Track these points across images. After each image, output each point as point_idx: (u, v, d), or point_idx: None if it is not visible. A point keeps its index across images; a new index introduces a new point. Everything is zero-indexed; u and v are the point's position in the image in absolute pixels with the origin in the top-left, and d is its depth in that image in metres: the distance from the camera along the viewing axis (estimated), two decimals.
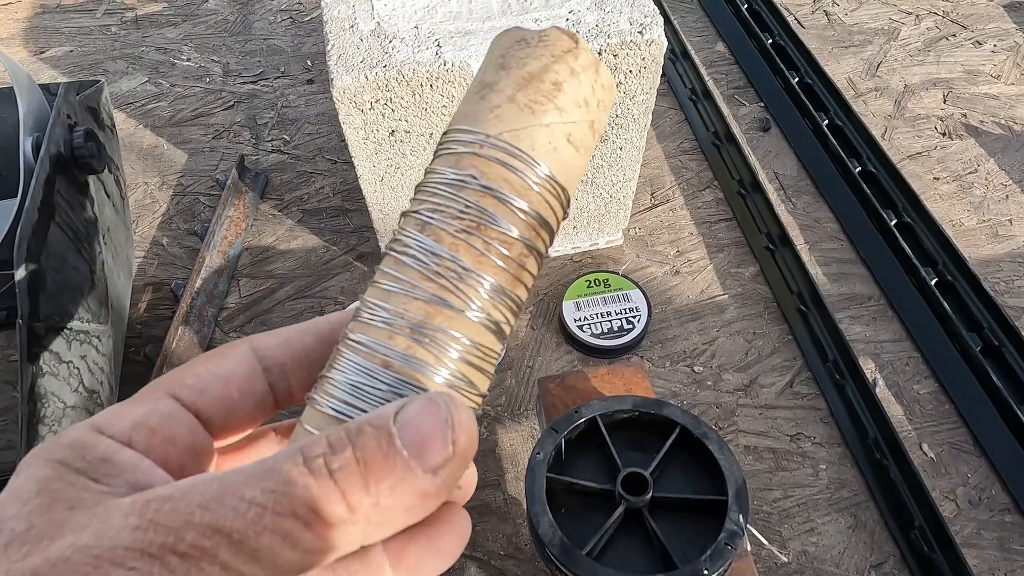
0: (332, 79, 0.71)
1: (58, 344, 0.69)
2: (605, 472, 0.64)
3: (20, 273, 0.63)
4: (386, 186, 0.86)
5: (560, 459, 0.64)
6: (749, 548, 0.61)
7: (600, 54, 0.75)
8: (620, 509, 0.60)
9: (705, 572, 0.54)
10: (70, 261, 0.72)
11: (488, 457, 0.90)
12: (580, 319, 0.98)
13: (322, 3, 0.79)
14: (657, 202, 1.16)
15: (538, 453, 0.62)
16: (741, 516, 0.57)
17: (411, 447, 0.19)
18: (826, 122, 1.20)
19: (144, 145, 1.24)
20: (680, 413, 0.64)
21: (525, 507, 0.66)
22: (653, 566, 0.58)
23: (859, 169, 1.13)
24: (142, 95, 1.33)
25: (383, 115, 0.76)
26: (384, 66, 0.72)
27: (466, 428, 0.20)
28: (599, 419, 0.65)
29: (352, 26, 0.76)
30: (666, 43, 0.76)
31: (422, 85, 0.73)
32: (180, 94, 1.33)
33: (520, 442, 0.91)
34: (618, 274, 1.03)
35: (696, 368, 0.97)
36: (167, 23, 1.48)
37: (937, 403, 0.94)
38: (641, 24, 0.75)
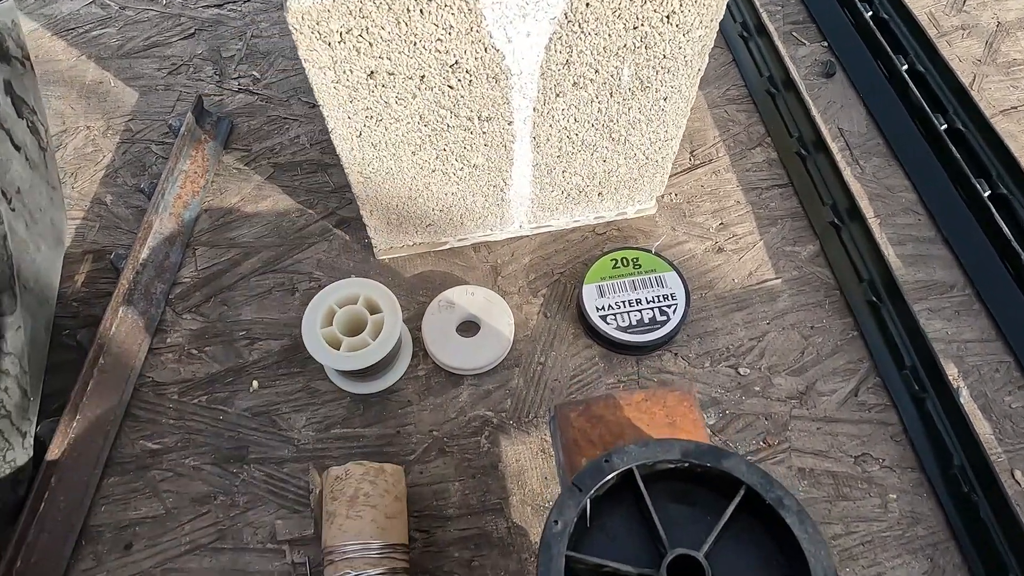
0: None
1: None
2: (643, 543, 0.49)
3: None
4: (365, 143, 0.67)
5: (583, 523, 0.49)
6: None
7: None
8: None
9: None
10: None
11: (489, 475, 0.75)
12: (603, 307, 0.81)
13: None
14: (698, 162, 0.96)
15: (555, 521, 0.46)
16: None
17: None
18: (904, 67, 0.99)
19: (87, 80, 1.04)
20: (746, 469, 0.48)
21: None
22: None
23: (944, 126, 0.93)
24: (86, 19, 1.12)
25: (358, 50, 0.57)
26: None
27: None
28: (636, 472, 0.49)
29: None
30: None
31: (409, 10, 0.54)
32: (131, 19, 1.12)
33: (528, 457, 0.76)
34: (650, 252, 0.85)
35: (741, 369, 0.81)
36: None
37: None
38: None
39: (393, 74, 0.60)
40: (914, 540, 0.71)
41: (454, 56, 0.59)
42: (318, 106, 1.01)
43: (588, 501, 0.48)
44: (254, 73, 1.05)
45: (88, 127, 1.00)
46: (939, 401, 0.76)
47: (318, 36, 0.55)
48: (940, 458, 0.74)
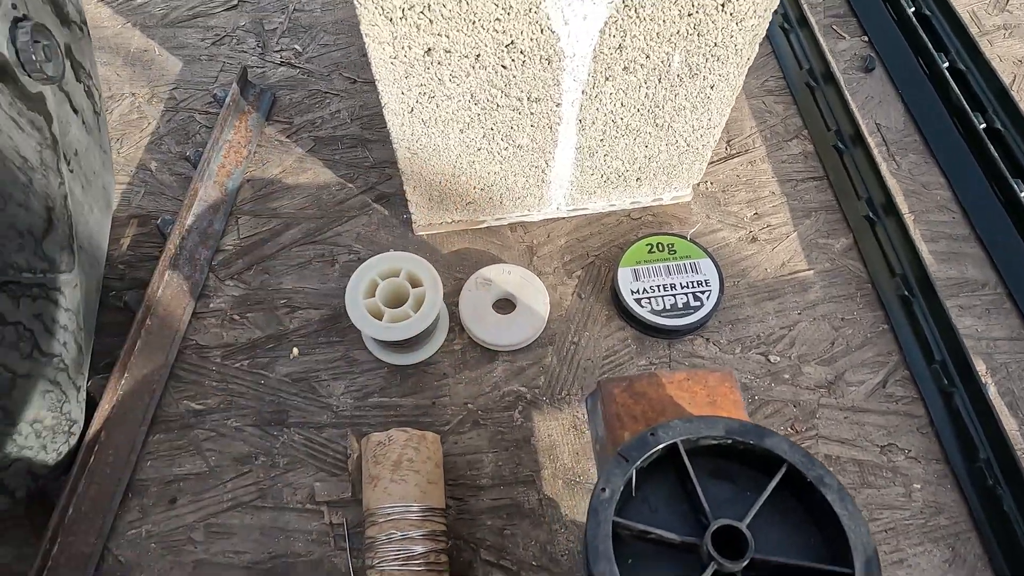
0: None
1: (1, 304, 0.55)
2: (686, 515, 0.50)
3: None
4: (416, 119, 0.69)
5: (629, 493, 0.50)
6: None
7: None
8: (709, 572, 0.46)
9: None
10: (15, 198, 0.56)
11: (522, 448, 0.77)
12: (638, 291, 0.82)
13: None
14: (734, 152, 0.97)
15: (603, 489, 0.48)
16: None
17: None
18: (946, 64, 0.99)
19: (131, 48, 1.06)
20: (788, 447, 0.50)
21: (581, 551, 0.53)
22: None
23: (984, 126, 0.94)
24: None
25: (418, 27, 0.58)
26: None
27: None
28: (680, 446, 0.50)
29: None
30: None
31: None
32: None
33: (560, 433, 0.78)
34: (685, 238, 0.86)
35: (772, 357, 0.82)
36: None
37: None
38: None
39: (450, 52, 0.61)
40: (936, 529, 0.73)
41: (510, 36, 0.60)
42: (359, 81, 1.02)
43: (634, 472, 0.49)
44: (296, 47, 1.06)
45: (133, 94, 1.02)
46: (967, 396, 0.77)
47: (381, 11, 0.56)
48: (966, 451, 0.75)
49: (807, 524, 0.50)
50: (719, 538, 0.47)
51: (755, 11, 0.62)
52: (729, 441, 0.51)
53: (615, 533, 0.47)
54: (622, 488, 0.48)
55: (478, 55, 0.62)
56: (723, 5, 0.61)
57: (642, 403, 0.57)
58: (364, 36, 0.58)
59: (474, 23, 0.59)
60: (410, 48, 0.60)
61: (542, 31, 0.61)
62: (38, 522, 0.73)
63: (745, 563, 0.45)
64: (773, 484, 0.49)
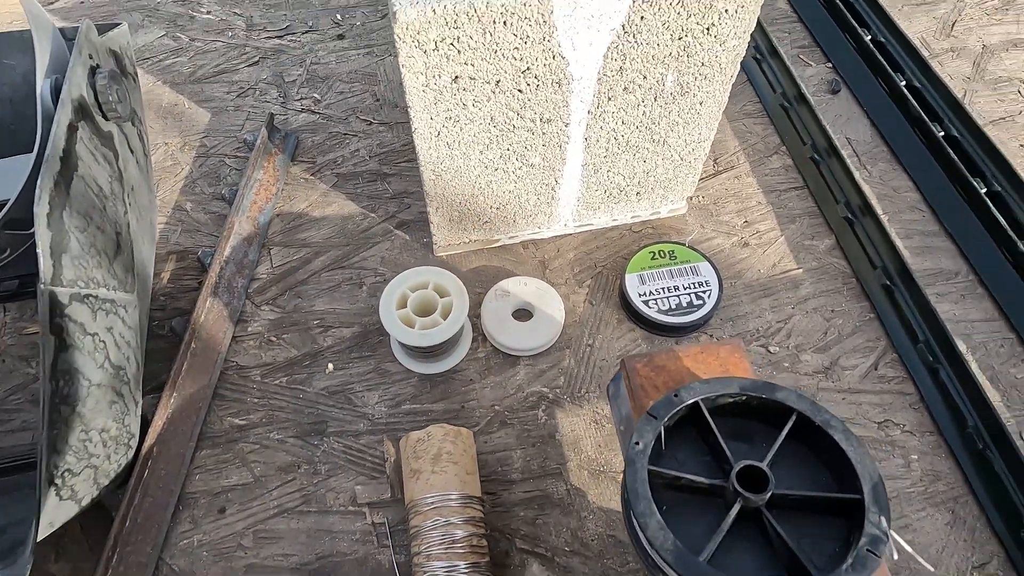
0: (395, 12, 0.62)
1: (83, 314, 0.61)
2: (711, 465, 0.56)
3: (41, 231, 0.55)
4: (442, 142, 0.77)
5: (659, 449, 0.56)
6: (895, 556, 0.53)
7: None
8: (735, 508, 0.52)
9: None
10: (95, 220, 0.63)
11: (548, 444, 0.82)
12: (645, 293, 0.90)
13: None
14: (721, 168, 1.06)
15: (636, 443, 0.54)
16: (883, 519, 0.49)
17: None
18: (903, 83, 1.10)
19: (163, 103, 1.15)
20: (796, 398, 0.56)
21: (621, 501, 0.59)
22: (779, 575, 0.50)
23: (942, 134, 1.04)
24: (160, 49, 1.23)
25: (447, 57, 0.67)
26: None
27: None
28: (702, 404, 0.57)
29: None
30: None
31: (495, 22, 0.64)
32: (200, 49, 1.23)
33: (582, 427, 0.84)
34: (684, 245, 0.94)
35: (771, 348, 0.89)
36: None
37: None
38: None
39: (474, 79, 0.70)
40: (936, 495, 0.79)
41: (527, 62, 0.69)
42: (375, 123, 1.11)
43: (662, 429, 0.56)
44: (315, 95, 1.16)
45: (167, 143, 1.10)
46: (952, 370, 0.84)
47: (417, 44, 0.65)
48: (956, 421, 0.82)
49: (819, 465, 0.56)
50: (742, 478, 0.53)
51: (735, 33, 0.72)
52: (744, 397, 0.57)
53: (650, 482, 0.53)
54: (652, 443, 0.55)
55: (498, 80, 0.71)
56: (708, 28, 0.71)
57: (663, 374, 0.64)
58: (401, 68, 0.67)
59: (495, 51, 0.68)
60: (440, 76, 0.69)
61: (554, 57, 0.70)
62: (93, 538, 0.77)
63: (768, 496, 0.51)
64: (786, 430, 0.55)
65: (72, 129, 0.61)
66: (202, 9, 1.29)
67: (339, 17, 1.28)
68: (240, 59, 1.21)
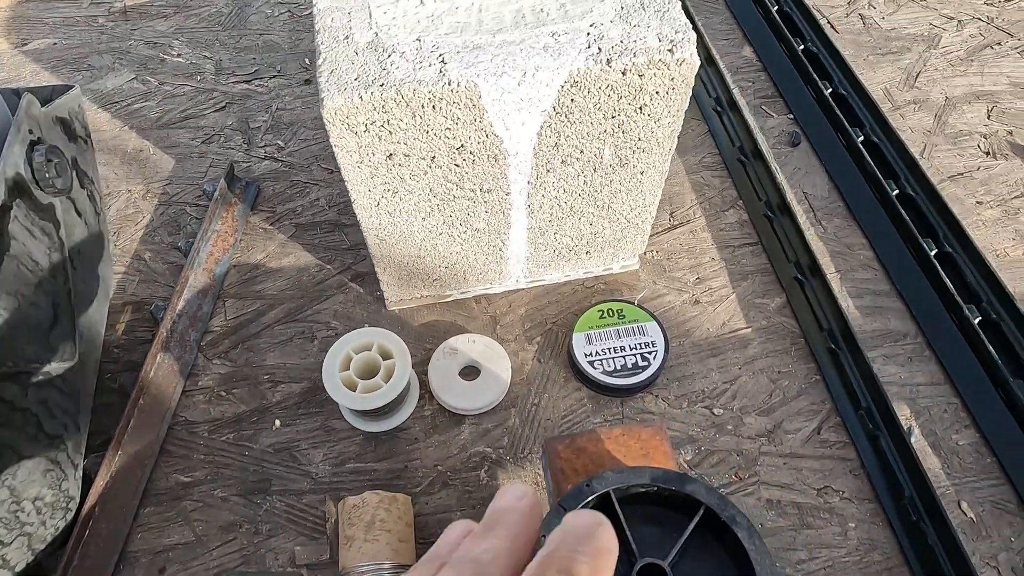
0: (322, 98, 0.63)
1: (11, 392, 0.62)
2: (621, 558, 0.57)
3: None
4: (382, 211, 0.78)
5: None
6: None
7: (624, 74, 0.67)
8: None
9: None
10: (28, 297, 0.64)
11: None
12: (591, 354, 0.91)
13: (314, 10, 0.71)
14: (677, 222, 1.07)
15: (543, 536, 0.55)
16: None
17: None
18: (861, 138, 1.11)
19: (128, 149, 1.16)
20: (705, 492, 0.57)
21: None
22: None
23: (896, 192, 1.05)
24: (129, 94, 1.24)
25: (379, 138, 0.68)
26: (381, 84, 0.64)
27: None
28: (612, 495, 0.57)
29: (347, 37, 0.68)
30: (699, 62, 0.67)
31: (423, 106, 0.65)
32: (169, 93, 1.24)
33: None
34: (633, 304, 0.95)
35: (716, 410, 0.90)
36: (157, 15, 1.39)
37: (978, 456, 0.86)
38: (672, 41, 0.66)
39: (408, 155, 0.71)
40: (871, 565, 0.79)
41: (460, 140, 0.70)
42: (336, 172, 1.12)
43: None
44: (279, 142, 1.17)
45: (129, 191, 1.11)
46: (891, 439, 0.84)
47: (347, 127, 0.66)
48: (893, 490, 0.82)
49: (726, 562, 0.56)
50: (645, 575, 0.53)
51: (668, 111, 0.73)
52: (655, 488, 0.58)
53: None
54: None
55: (433, 157, 0.72)
56: (640, 108, 0.72)
57: (583, 457, 0.64)
58: (334, 147, 0.68)
59: (427, 132, 0.69)
60: (373, 154, 0.70)
61: (487, 136, 0.71)
62: None
63: None
64: (692, 525, 0.56)
65: (5, 209, 0.62)
66: (172, 52, 1.31)
67: (307, 61, 1.29)
68: (208, 104, 1.22)
